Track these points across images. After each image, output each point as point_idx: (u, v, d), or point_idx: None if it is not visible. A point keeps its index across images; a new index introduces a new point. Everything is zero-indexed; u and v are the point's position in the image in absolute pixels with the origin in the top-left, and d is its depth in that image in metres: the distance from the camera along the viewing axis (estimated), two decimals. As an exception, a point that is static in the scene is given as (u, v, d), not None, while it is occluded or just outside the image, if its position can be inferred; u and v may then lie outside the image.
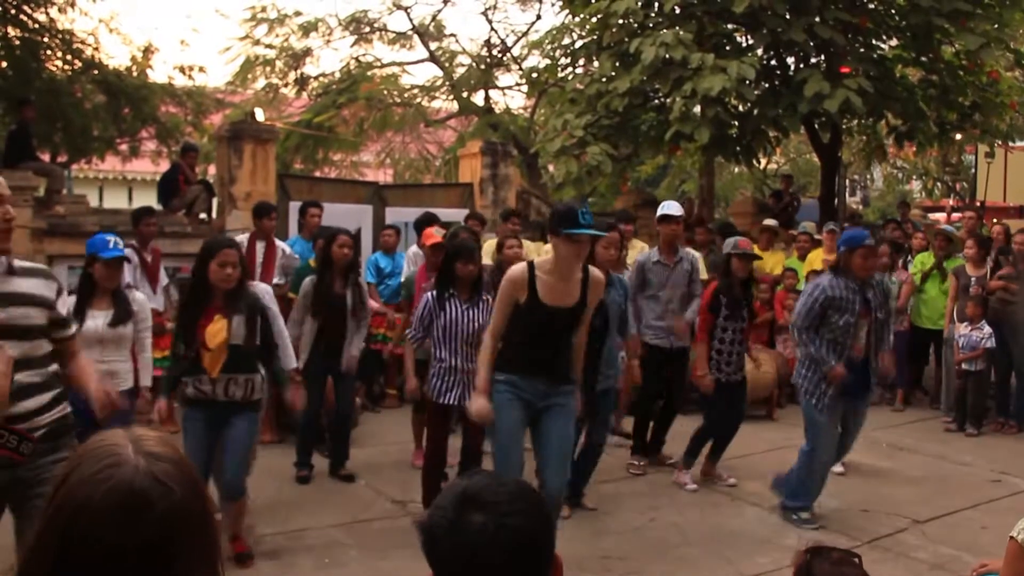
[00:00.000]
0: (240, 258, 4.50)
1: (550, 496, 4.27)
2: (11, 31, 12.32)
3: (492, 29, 23.78)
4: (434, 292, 5.24)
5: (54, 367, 3.09)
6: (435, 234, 6.37)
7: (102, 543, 1.12)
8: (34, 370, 2.97)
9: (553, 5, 17.21)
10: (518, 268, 4.28)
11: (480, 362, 4.34)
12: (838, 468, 6.23)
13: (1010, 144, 14.88)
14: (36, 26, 12.51)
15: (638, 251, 8.80)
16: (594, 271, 4.36)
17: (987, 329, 7.87)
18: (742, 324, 6.03)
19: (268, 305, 4.75)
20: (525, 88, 18.53)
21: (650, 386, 6.52)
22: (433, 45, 18.73)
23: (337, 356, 6.02)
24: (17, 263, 3.01)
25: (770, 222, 10.16)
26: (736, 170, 21.46)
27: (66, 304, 3.24)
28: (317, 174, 17.41)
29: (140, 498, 1.14)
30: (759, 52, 10.88)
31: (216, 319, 4.36)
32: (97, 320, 4.67)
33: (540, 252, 7.64)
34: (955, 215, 16.39)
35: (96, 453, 1.19)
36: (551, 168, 14.52)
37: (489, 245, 8.43)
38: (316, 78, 18.70)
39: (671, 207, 6.65)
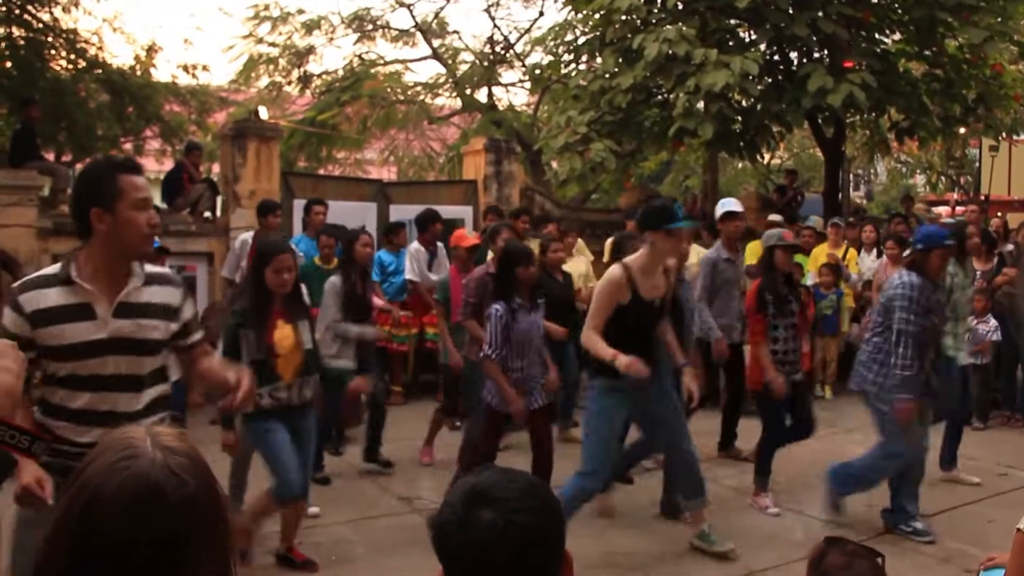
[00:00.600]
0: (294, 261, 4.48)
1: (695, 460, 4.72)
2: (15, 31, 12.35)
3: (495, 26, 23.64)
4: (503, 304, 5.05)
5: (167, 385, 2.93)
6: (468, 236, 6.35)
7: (116, 532, 1.14)
8: (153, 388, 2.82)
9: (556, 1, 17.22)
10: (617, 271, 4.49)
11: (603, 351, 4.36)
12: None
13: (1014, 137, 14.85)
14: (40, 26, 12.54)
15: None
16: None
17: (993, 322, 7.86)
18: (793, 320, 5.63)
19: None
20: (528, 85, 18.54)
21: (707, 385, 6.50)
22: (436, 42, 18.73)
23: (368, 355, 6.07)
24: (148, 269, 2.86)
25: (775, 217, 10.15)
26: (740, 165, 21.46)
27: (194, 307, 3.05)
28: (321, 172, 17.43)
29: (155, 489, 1.16)
30: (762, 47, 10.88)
31: (280, 324, 4.35)
32: None
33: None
34: (959, 209, 16.37)
35: (115, 445, 1.22)
36: (555, 165, 14.52)
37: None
38: (319, 76, 18.71)
39: (732, 203, 6.65)
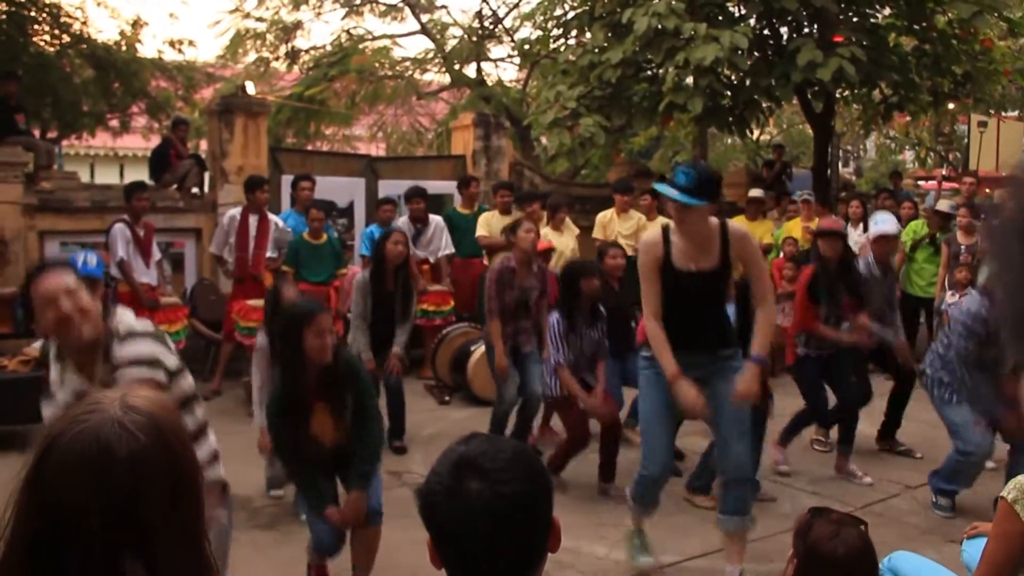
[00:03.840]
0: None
1: (741, 472, 4.00)
2: (-2, 5, 12.20)
3: (483, 0, 23.59)
4: (561, 315, 5.40)
5: None
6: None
7: (64, 486, 1.16)
8: None
9: (545, -24, 17.06)
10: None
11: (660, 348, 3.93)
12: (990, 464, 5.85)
13: (1002, 114, 14.89)
14: (23, 0, 12.38)
15: (635, 221, 8.82)
16: (734, 225, 4.06)
17: (975, 294, 7.88)
18: (836, 311, 5.75)
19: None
20: (517, 60, 18.43)
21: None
22: (424, 17, 18.58)
23: (385, 348, 6.20)
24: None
25: (756, 193, 10.16)
26: (729, 141, 21.45)
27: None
28: (309, 147, 17.35)
29: (103, 444, 1.18)
30: (751, 21, 10.83)
31: (319, 410, 3.75)
32: None
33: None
34: (947, 184, 16.40)
35: (86, 401, 1.25)
36: (544, 140, 14.48)
37: (486, 218, 8.47)
38: (307, 51, 18.56)
39: (886, 224, 6.33)
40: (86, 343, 2.64)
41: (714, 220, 3.95)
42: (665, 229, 3.98)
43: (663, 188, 3.93)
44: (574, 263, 5.75)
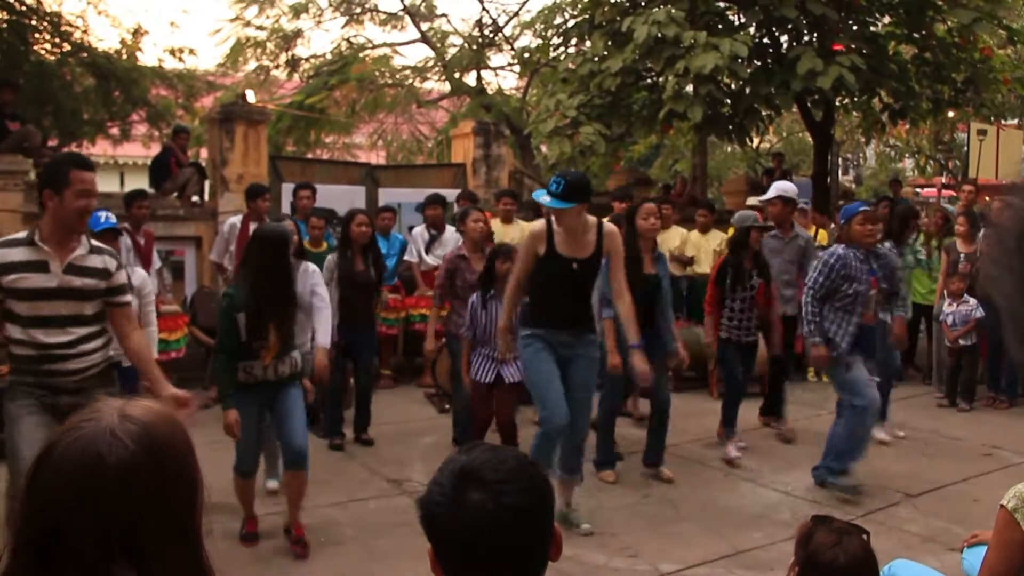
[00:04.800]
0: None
1: (579, 439, 4.86)
2: (-1, 14, 12.23)
3: (484, 9, 23.76)
4: (478, 294, 5.78)
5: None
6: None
7: (55, 491, 1.18)
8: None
9: (545, -16, 17.13)
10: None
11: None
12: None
13: (1002, 122, 14.90)
14: (23, 8, 12.40)
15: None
16: (607, 224, 4.80)
17: (973, 300, 7.89)
18: (750, 293, 6.30)
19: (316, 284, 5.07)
20: (517, 68, 18.47)
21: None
22: (424, 25, 18.64)
23: (360, 331, 6.35)
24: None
25: (754, 201, 10.18)
26: (729, 149, 21.47)
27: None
28: (309, 156, 17.37)
29: (92, 452, 1.19)
30: (751, 30, 10.85)
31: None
32: None
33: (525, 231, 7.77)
34: (946, 192, 16.41)
35: (85, 411, 1.26)
36: (544, 148, 14.51)
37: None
38: (307, 60, 18.61)
39: (774, 190, 7.12)
40: (75, 232, 3.49)
41: (592, 219, 4.76)
42: (549, 223, 4.70)
43: (538, 196, 4.73)
44: (496, 246, 6.06)
